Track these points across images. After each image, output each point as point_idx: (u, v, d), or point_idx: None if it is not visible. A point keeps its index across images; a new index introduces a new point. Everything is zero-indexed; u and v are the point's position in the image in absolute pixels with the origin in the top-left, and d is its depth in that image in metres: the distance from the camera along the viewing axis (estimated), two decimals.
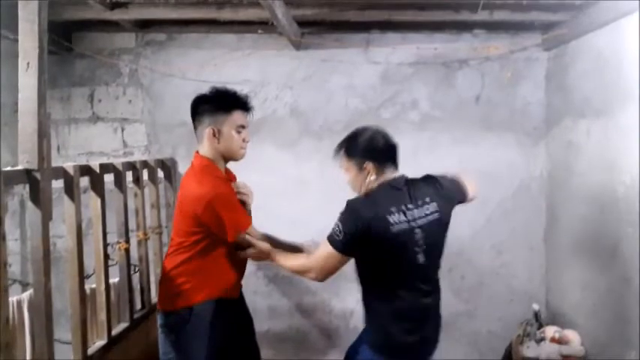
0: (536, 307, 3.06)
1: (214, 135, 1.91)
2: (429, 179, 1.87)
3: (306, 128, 3.23)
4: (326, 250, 1.71)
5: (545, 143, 3.25)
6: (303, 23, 3.05)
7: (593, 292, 2.74)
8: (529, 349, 2.85)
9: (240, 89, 3.16)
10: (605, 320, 2.64)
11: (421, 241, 1.71)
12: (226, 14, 2.79)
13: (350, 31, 3.19)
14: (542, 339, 2.88)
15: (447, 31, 3.22)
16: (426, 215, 1.74)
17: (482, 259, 3.30)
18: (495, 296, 3.30)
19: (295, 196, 3.19)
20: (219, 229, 1.84)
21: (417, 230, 1.71)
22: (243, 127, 1.95)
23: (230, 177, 2.06)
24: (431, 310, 1.83)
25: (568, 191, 3.00)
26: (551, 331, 2.90)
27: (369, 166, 1.75)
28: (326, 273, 1.76)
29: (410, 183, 1.80)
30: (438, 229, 1.80)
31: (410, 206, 1.72)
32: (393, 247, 1.68)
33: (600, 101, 2.65)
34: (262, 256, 1.94)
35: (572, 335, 2.83)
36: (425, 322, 1.80)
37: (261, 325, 3.23)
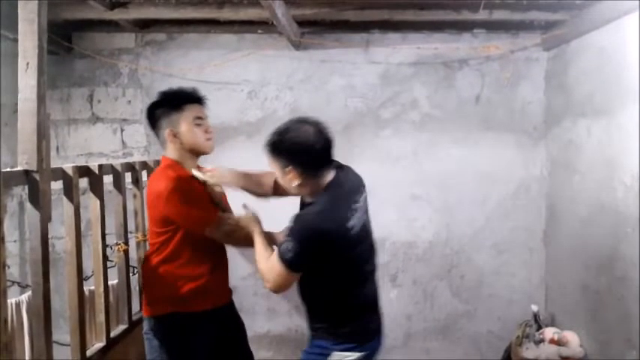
0: (535, 308, 3.06)
1: (175, 136, 1.90)
2: (344, 166, 1.78)
3: None
4: (280, 268, 1.57)
5: (545, 143, 3.25)
6: (302, 23, 3.04)
7: (593, 293, 2.74)
8: (528, 350, 2.86)
9: (241, 89, 3.24)
10: (605, 321, 2.63)
11: (368, 229, 1.71)
12: (226, 14, 2.79)
13: (350, 31, 3.19)
14: (542, 340, 2.88)
15: (447, 31, 3.22)
16: (363, 202, 1.70)
17: (481, 259, 3.30)
18: (495, 296, 3.30)
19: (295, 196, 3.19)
20: (186, 223, 1.82)
21: (366, 216, 1.68)
22: (200, 118, 1.92)
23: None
24: (376, 292, 1.80)
25: (568, 191, 3.00)
26: (550, 332, 2.91)
27: (292, 172, 1.59)
28: (280, 288, 1.63)
29: (344, 173, 1.70)
30: (368, 213, 1.76)
31: (357, 198, 1.66)
32: (354, 249, 1.62)
33: (600, 101, 2.64)
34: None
35: (571, 336, 2.83)
36: (376, 297, 1.79)
37: (261, 326, 3.25)
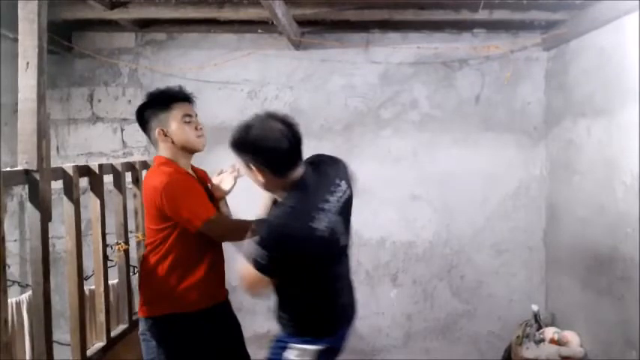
0: (535, 308, 3.06)
1: (165, 135, 1.90)
2: (327, 159, 1.72)
3: (306, 128, 3.15)
4: (253, 273, 1.54)
5: (545, 143, 3.25)
6: (303, 23, 3.05)
7: (593, 293, 2.74)
8: (528, 350, 2.86)
9: (240, 89, 3.24)
10: (605, 321, 2.63)
11: (341, 225, 1.63)
12: (226, 13, 2.79)
13: (350, 30, 3.19)
14: (542, 340, 2.89)
15: (447, 31, 3.22)
16: (340, 198, 1.62)
17: (482, 259, 3.30)
18: (495, 296, 3.30)
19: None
20: (180, 218, 1.80)
21: (337, 217, 1.60)
22: (189, 115, 1.92)
23: (198, 173, 2.04)
24: (347, 279, 1.77)
25: (568, 191, 3.00)
26: (550, 332, 2.91)
27: (257, 170, 1.54)
28: (250, 290, 1.61)
29: (315, 170, 1.63)
30: (350, 207, 1.70)
31: (327, 197, 1.58)
32: (319, 250, 1.56)
33: (600, 100, 2.64)
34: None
35: (571, 336, 2.83)
36: (347, 293, 1.76)
37: (261, 325, 3.24)
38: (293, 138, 1.54)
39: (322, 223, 1.53)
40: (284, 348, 1.65)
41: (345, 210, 1.67)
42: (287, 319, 1.70)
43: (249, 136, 1.52)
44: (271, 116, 1.56)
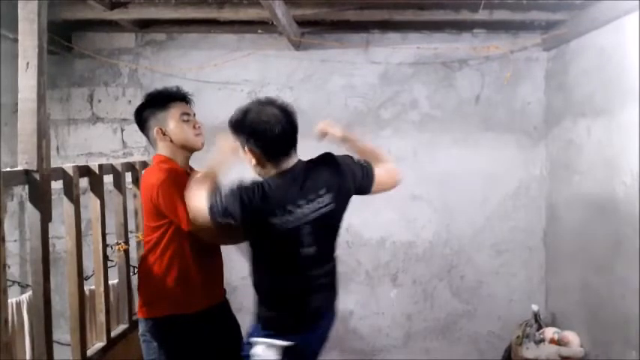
0: (535, 307, 3.06)
1: (163, 133, 1.91)
2: (330, 162, 1.69)
3: (307, 128, 3.20)
4: (204, 210, 1.58)
5: (545, 143, 3.25)
6: (302, 23, 3.05)
7: (593, 293, 2.74)
8: (528, 350, 2.86)
9: (240, 89, 3.24)
10: (605, 321, 2.63)
11: (309, 236, 1.60)
12: (226, 14, 2.79)
13: (350, 31, 3.19)
14: (542, 340, 2.89)
15: (447, 31, 3.22)
16: (318, 209, 1.60)
17: (481, 259, 3.30)
18: (495, 296, 3.31)
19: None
20: (175, 216, 1.79)
21: (306, 226, 1.58)
22: (187, 114, 1.94)
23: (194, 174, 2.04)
24: (322, 285, 1.72)
25: (568, 191, 3.00)
26: (550, 332, 2.91)
27: (250, 152, 1.60)
28: (194, 227, 1.68)
29: (308, 170, 1.64)
30: (331, 220, 1.67)
31: (300, 202, 1.57)
32: (274, 242, 1.61)
33: (601, 100, 2.65)
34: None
35: (571, 336, 2.83)
36: (321, 299, 1.73)
37: None
38: (288, 125, 1.59)
39: (281, 221, 1.55)
40: (251, 344, 1.66)
41: (322, 222, 1.62)
42: (256, 310, 1.71)
43: (245, 119, 1.59)
44: (270, 102, 1.63)
